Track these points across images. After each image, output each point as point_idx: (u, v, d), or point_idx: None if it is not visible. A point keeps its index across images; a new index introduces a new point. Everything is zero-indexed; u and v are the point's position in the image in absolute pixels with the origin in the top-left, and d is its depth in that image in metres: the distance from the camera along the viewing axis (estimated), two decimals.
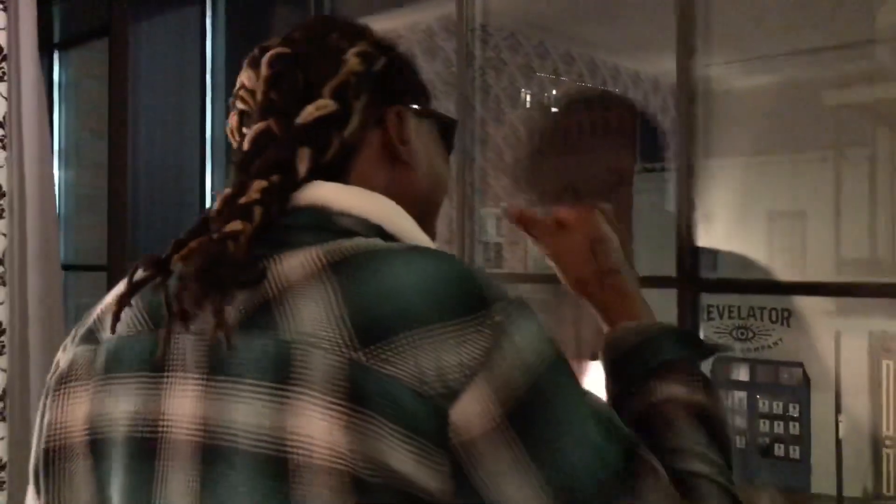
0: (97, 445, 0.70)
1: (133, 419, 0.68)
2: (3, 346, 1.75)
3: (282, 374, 0.61)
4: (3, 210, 1.76)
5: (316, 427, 0.59)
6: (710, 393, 0.76)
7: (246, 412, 0.62)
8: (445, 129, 0.84)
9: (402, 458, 0.58)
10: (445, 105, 1.66)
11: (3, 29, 1.76)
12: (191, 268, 0.65)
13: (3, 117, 1.75)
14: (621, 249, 0.90)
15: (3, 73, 1.76)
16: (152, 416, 0.67)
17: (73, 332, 0.76)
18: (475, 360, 0.59)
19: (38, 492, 0.75)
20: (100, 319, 0.74)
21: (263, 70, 0.75)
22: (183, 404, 0.66)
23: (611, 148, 1.59)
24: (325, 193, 0.70)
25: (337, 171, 0.73)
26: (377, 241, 0.68)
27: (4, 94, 1.76)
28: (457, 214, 1.57)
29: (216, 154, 2.27)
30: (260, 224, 0.67)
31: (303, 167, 0.71)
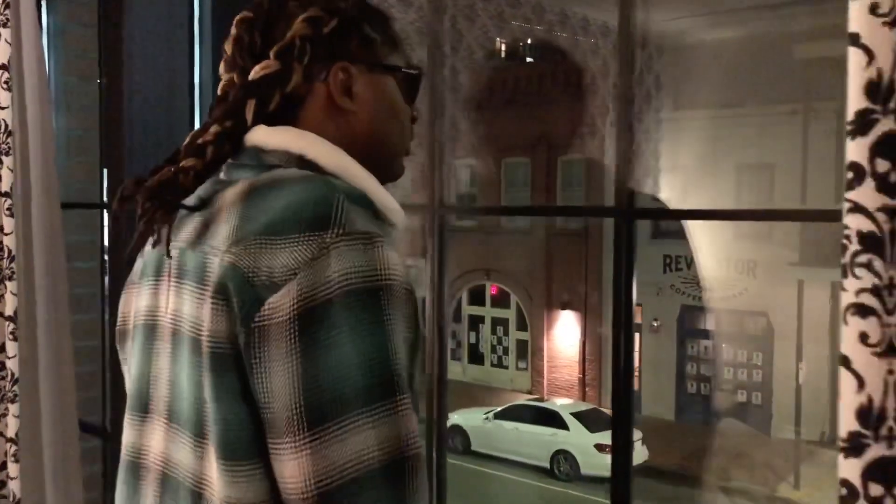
0: (134, 331, 0.94)
1: (147, 311, 0.91)
2: (13, 273, 1.90)
3: (201, 277, 0.80)
4: (10, 148, 1.89)
5: (206, 314, 0.78)
6: None
7: (186, 305, 0.82)
8: (406, 81, 0.95)
9: (230, 326, 0.75)
10: (420, 54, 1.79)
11: None
12: (145, 189, 0.83)
13: (8, 61, 1.87)
14: None
15: (7, 19, 1.87)
16: (153, 309, 0.90)
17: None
18: (297, 266, 0.73)
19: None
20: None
21: (232, 30, 0.91)
22: (167, 301, 0.87)
23: (583, 99, 1.68)
24: (259, 136, 0.86)
25: (287, 118, 0.88)
26: (285, 171, 0.83)
27: (8, 40, 1.87)
28: (427, 162, 1.71)
29: (204, 96, 2.40)
30: (211, 160, 0.85)
31: (249, 115, 0.86)
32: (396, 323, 0.73)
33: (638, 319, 15.25)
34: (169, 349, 0.86)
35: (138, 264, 0.97)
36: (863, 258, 0.73)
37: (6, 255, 1.89)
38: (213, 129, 0.86)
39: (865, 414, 0.73)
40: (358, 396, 0.71)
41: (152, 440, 0.88)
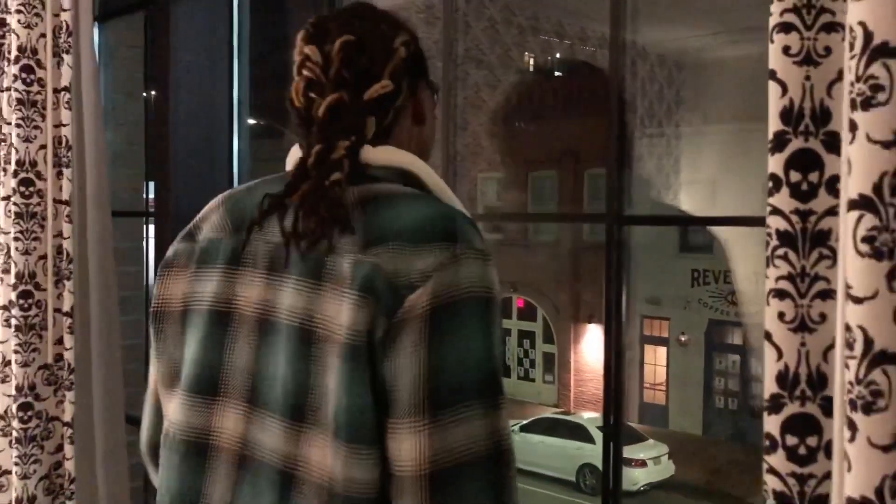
0: (187, 315, 0.97)
1: (215, 297, 0.94)
2: (71, 273, 2.11)
3: (316, 273, 0.86)
4: (70, 160, 2.11)
5: (331, 309, 0.84)
6: None
7: (288, 298, 0.87)
8: (435, 92, 1.09)
9: (367, 320, 0.81)
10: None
11: (70, 10, 2.09)
12: (311, 205, 0.88)
13: (70, 83, 2.09)
14: None
15: (70, 46, 2.09)
16: (228, 296, 0.93)
17: (178, 236, 1.04)
18: (430, 271, 0.82)
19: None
20: (197, 226, 1.01)
21: (336, 52, 0.95)
22: (251, 290, 0.91)
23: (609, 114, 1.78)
24: (367, 153, 0.94)
25: (387, 133, 0.97)
26: (394, 186, 0.92)
27: (70, 64, 2.09)
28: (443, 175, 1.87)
29: (242, 112, 2.60)
30: (348, 173, 0.91)
31: (370, 131, 0.95)
32: (497, 331, 0.84)
33: (665, 334, 15.24)
34: (253, 337, 0.90)
35: (185, 248, 1.00)
36: (780, 251, 0.89)
37: (65, 257, 2.10)
38: (344, 143, 0.92)
39: (783, 378, 0.89)
40: (473, 388, 0.81)
41: (225, 422, 0.91)
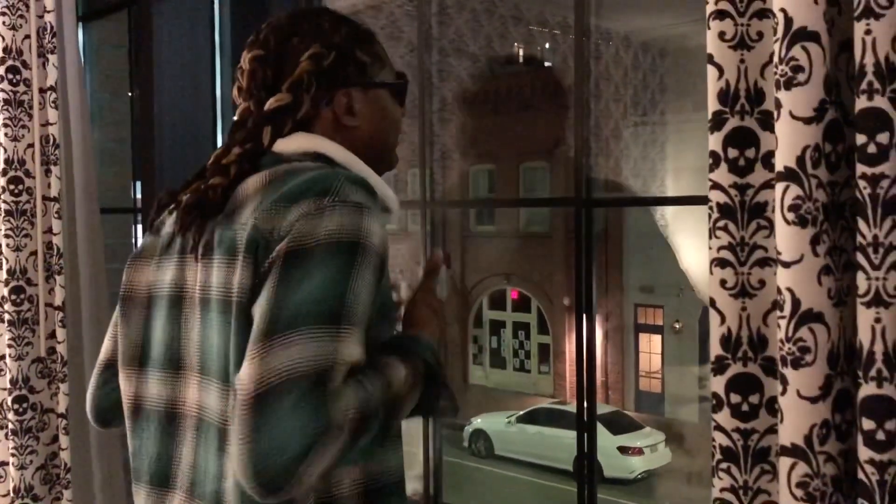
0: (151, 300, 1.07)
1: (171, 284, 1.04)
2: (62, 268, 2.16)
3: (231, 249, 0.93)
4: (57, 158, 2.16)
5: (238, 276, 0.92)
6: (412, 383, 0.96)
7: (215, 275, 0.96)
8: (398, 90, 1.13)
9: (250, 276, 0.90)
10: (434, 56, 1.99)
11: (53, 10, 2.14)
12: (184, 205, 1.00)
13: (56, 82, 2.14)
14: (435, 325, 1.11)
15: (54, 46, 2.14)
16: (180, 282, 1.02)
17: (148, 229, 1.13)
18: (297, 219, 0.89)
19: (114, 326, 1.14)
20: (162, 220, 1.10)
21: (246, 65, 1.05)
22: (195, 275, 1.00)
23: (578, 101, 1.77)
24: (277, 145, 1.02)
25: (304, 127, 1.04)
26: (301, 163, 0.98)
27: (55, 64, 2.14)
28: (419, 164, 1.92)
29: (225, 110, 2.66)
30: (234, 178, 0.99)
31: (266, 140, 1.02)
32: (363, 276, 0.88)
33: (659, 321, 15.32)
34: (198, 315, 0.99)
35: (151, 241, 1.09)
36: (721, 223, 0.96)
37: (55, 252, 2.16)
38: (236, 150, 1.01)
39: (726, 341, 0.96)
40: (309, 318, 0.85)
41: (188, 392, 1.00)
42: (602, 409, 13.28)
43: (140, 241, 1.12)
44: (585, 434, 1.68)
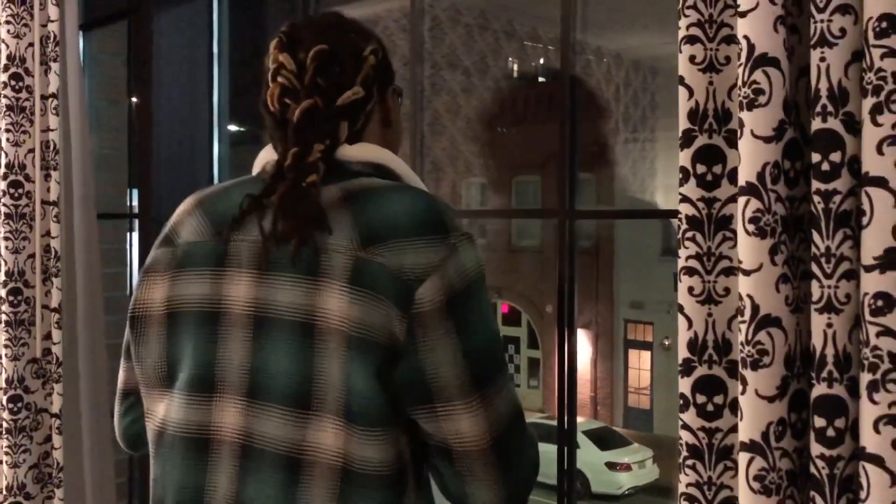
0: (172, 318, 1.00)
1: (203, 298, 0.97)
2: (59, 271, 2.21)
3: (311, 269, 0.91)
4: (57, 163, 2.21)
5: (332, 303, 0.89)
6: None
7: (286, 294, 0.91)
8: (400, 95, 1.18)
9: (380, 314, 0.88)
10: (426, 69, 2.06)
11: (56, 20, 2.20)
12: (289, 205, 0.93)
13: (57, 90, 2.20)
14: None
15: (57, 55, 2.20)
16: (216, 297, 0.96)
17: (156, 242, 1.07)
18: (435, 263, 0.90)
19: (127, 351, 1.08)
20: (174, 230, 1.04)
21: (309, 61, 1.00)
22: (239, 289, 0.95)
23: (594, 119, 1.84)
24: (344, 152, 1.01)
25: (359, 135, 1.05)
26: (374, 180, 0.98)
27: (57, 72, 2.20)
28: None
29: (221, 119, 2.72)
30: (323, 175, 0.96)
31: (342, 135, 1.01)
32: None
33: (649, 338, 15.38)
34: (246, 334, 0.93)
35: (163, 253, 1.03)
36: (689, 234, 1.02)
37: (53, 255, 2.21)
38: (319, 147, 0.98)
39: (693, 345, 1.02)
40: (497, 358, 0.94)
41: (225, 416, 0.94)
42: (591, 424, 13.33)
43: (150, 256, 1.06)
44: (566, 448, 1.72)
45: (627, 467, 11.91)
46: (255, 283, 0.94)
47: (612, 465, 11.49)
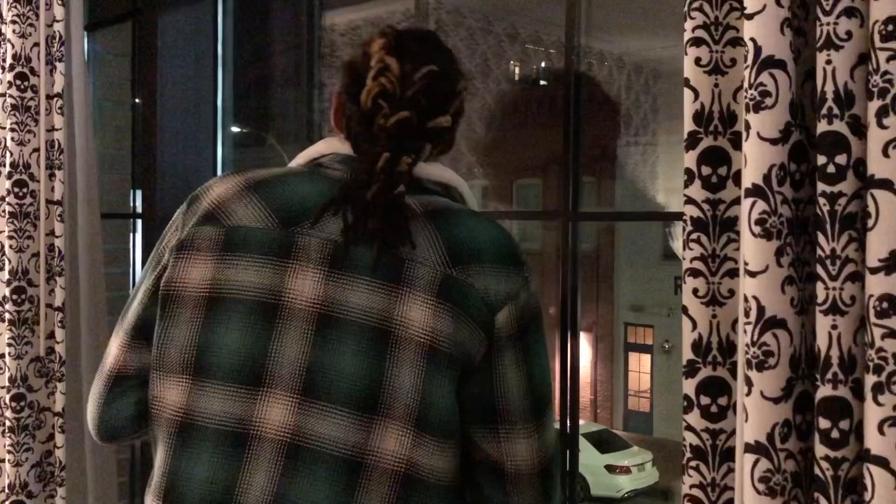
0: (216, 301, 0.95)
1: (260, 288, 0.94)
2: (62, 270, 2.22)
3: (394, 276, 0.93)
4: (61, 163, 2.22)
5: (415, 313, 0.92)
6: None
7: (360, 297, 0.92)
8: None
9: (464, 332, 0.93)
10: None
11: (62, 20, 2.21)
12: (380, 205, 0.94)
13: (62, 89, 2.20)
14: None
15: (62, 55, 2.21)
16: (276, 288, 0.94)
17: (182, 217, 1.02)
18: (512, 292, 0.97)
19: (137, 329, 1.03)
20: (222, 208, 0.99)
21: (420, 76, 1.01)
22: (304, 285, 0.93)
23: (595, 123, 1.84)
24: (420, 167, 1.03)
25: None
26: (448, 201, 1.03)
27: (63, 72, 2.21)
28: None
29: (225, 121, 2.72)
30: (408, 185, 0.98)
31: (425, 154, 1.04)
32: None
33: (649, 341, 15.37)
34: (308, 331, 0.92)
35: (204, 232, 0.98)
36: (694, 236, 1.02)
37: (57, 254, 2.21)
38: (407, 160, 0.98)
39: (697, 346, 1.02)
40: (550, 392, 1.01)
41: (271, 412, 0.91)
42: (590, 427, 13.31)
43: (186, 230, 0.99)
44: (568, 451, 1.72)
45: (627, 470, 11.90)
46: (324, 281, 0.93)
47: (611, 468, 11.47)
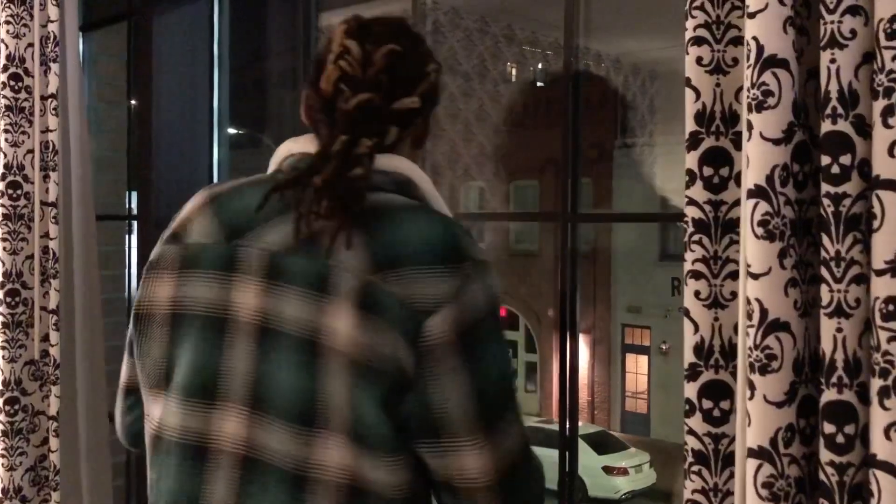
0: (176, 318, 0.97)
1: (210, 302, 0.94)
2: (57, 272, 2.20)
3: (321, 286, 0.88)
4: (56, 164, 2.20)
5: (340, 324, 0.86)
6: None
7: (292, 308, 0.89)
8: None
9: (388, 344, 0.86)
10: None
11: (56, 21, 2.19)
12: (331, 187, 0.89)
13: (57, 90, 2.19)
14: None
15: (56, 55, 2.19)
16: (223, 302, 0.93)
17: (161, 237, 1.04)
18: (448, 294, 0.87)
19: (131, 347, 1.05)
20: (183, 226, 1.00)
21: (380, 58, 0.97)
22: (247, 297, 0.92)
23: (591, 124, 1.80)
24: (378, 161, 0.96)
25: (393, 146, 0.99)
26: (394, 198, 0.94)
27: (57, 73, 2.19)
28: None
29: (222, 122, 2.70)
30: (368, 169, 0.93)
31: (390, 139, 0.97)
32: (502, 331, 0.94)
33: (646, 342, 15.37)
34: (252, 344, 0.91)
35: (170, 250, 1.00)
36: (696, 237, 1.01)
37: (51, 256, 2.19)
38: (367, 143, 0.94)
39: (699, 349, 1.01)
40: (508, 395, 0.91)
41: (226, 425, 0.91)
42: (588, 428, 13.31)
43: (156, 251, 1.03)
44: (567, 452, 1.71)
45: (624, 471, 11.90)
46: (262, 293, 0.91)
47: (608, 470, 11.48)
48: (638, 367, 15.61)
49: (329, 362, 0.87)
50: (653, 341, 14.55)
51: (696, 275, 1.01)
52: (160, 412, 0.98)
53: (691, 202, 1.01)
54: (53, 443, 2.20)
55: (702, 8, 1.00)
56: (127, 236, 3.15)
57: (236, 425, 0.91)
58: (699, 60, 1.00)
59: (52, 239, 2.20)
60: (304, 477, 0.87)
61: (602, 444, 12.31)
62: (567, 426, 1.69)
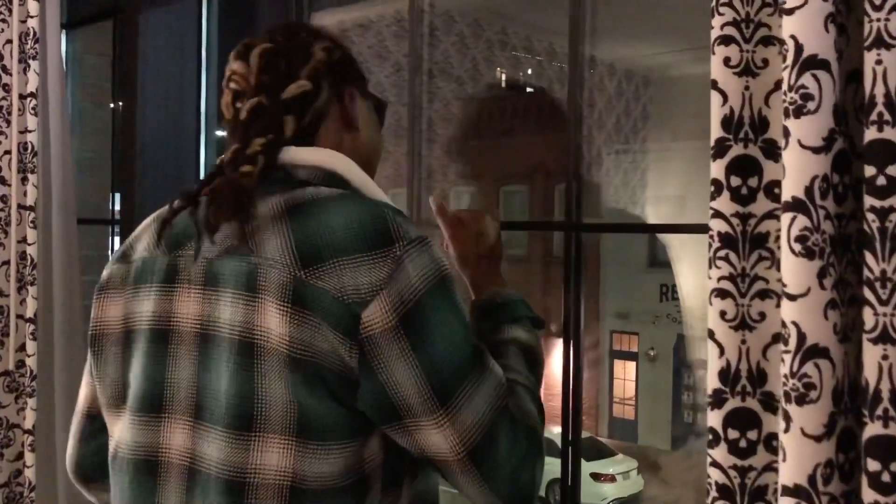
0: (128, 335, 0.98)
1: (154, 316, 0.95)
2: (34, 279, 2.10)
3: (251, 286, 0.87)
4: (35, 166, 2.11)
5: (272, 322, 0.85)
6: (537, 339, 1.08)
7: (226, 311, 0.88)
8: (379, 108, 1.13)
9: (325, 339, 0.83)
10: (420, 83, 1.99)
11: (36, 16, 2.10)
12: (221, 194, 0.90)
13: (36, 89, 2.09)
14: (496, 243, 1.25)
15: (36, 52, 2.10)
16: (166, 314, 0.94)
17: (112, 258, 1.05)
18: (380, 281, 0.84)
19: (90, 370, 1.05)
20: (131, 246, 1.02)
21: (255, 59, 0.99)
22: (188, 306, 0.92)
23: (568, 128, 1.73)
24: (292, 155, 0.96)
25: (310, 135, 1.00)
26: (321, 190, 0.92)
27: (37, 71, 2.10)
28: (407, 188, 1.90)
29: (209, 124, 2.61)
30: (262, 167, 0.92)
31: (288, 129, 0.97)
32: (458, 298, 0.89)
33: (634, 348, 15.35)
34: (194, 353, 0.91)
35: (119, 269, 1.01)
36: (722, 253, 0.93)
37: (29, 262, 2.10)
38: (259, 141, 0.94)
39: (725, 375, 0.93)
40: (467, 364, 0.87)
41: (173, 439, 0.92)
42: None
43: (105, 272, 1.03)
44: (570, 463, 1.63)
45: (612, 478, 11.84)
46: (201, 300, 0.91)
47: (596, 476, 11.41)
48: (626, 374, 15.58)
49: (266, 362, 0.85)
50: (640, 347, 14.49)
51: (722, 293, 0.93)
52: (118, 431, 0.98)
53: (717, 214, 0.93)
54: (29, 458, 2.10)
55: (730, 5, 0.92)
56: (110, 241, 3.05)
57: (182, 437, 0.91)
58: (727, 61, 0.92)
59: (30, 244, 2.10)
60: (244, 483, 0.86)
61: (589, 450, 12.25)
62: (570, 434, 1.62)
